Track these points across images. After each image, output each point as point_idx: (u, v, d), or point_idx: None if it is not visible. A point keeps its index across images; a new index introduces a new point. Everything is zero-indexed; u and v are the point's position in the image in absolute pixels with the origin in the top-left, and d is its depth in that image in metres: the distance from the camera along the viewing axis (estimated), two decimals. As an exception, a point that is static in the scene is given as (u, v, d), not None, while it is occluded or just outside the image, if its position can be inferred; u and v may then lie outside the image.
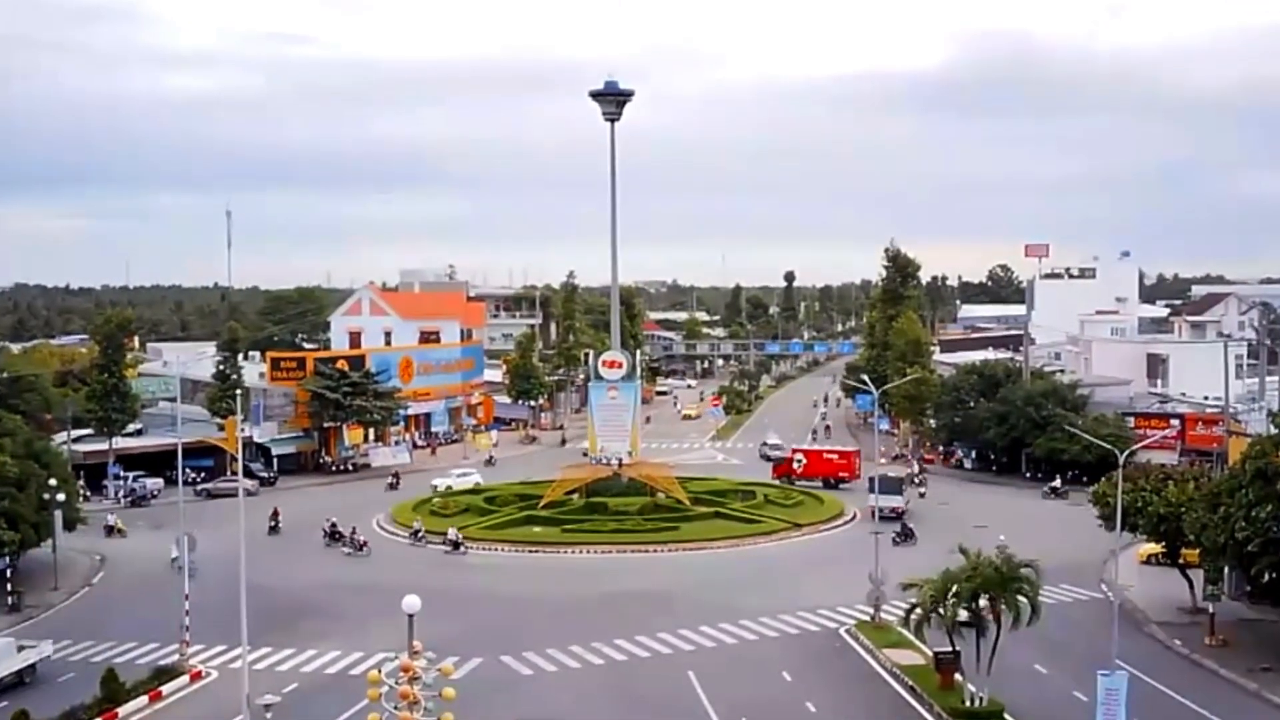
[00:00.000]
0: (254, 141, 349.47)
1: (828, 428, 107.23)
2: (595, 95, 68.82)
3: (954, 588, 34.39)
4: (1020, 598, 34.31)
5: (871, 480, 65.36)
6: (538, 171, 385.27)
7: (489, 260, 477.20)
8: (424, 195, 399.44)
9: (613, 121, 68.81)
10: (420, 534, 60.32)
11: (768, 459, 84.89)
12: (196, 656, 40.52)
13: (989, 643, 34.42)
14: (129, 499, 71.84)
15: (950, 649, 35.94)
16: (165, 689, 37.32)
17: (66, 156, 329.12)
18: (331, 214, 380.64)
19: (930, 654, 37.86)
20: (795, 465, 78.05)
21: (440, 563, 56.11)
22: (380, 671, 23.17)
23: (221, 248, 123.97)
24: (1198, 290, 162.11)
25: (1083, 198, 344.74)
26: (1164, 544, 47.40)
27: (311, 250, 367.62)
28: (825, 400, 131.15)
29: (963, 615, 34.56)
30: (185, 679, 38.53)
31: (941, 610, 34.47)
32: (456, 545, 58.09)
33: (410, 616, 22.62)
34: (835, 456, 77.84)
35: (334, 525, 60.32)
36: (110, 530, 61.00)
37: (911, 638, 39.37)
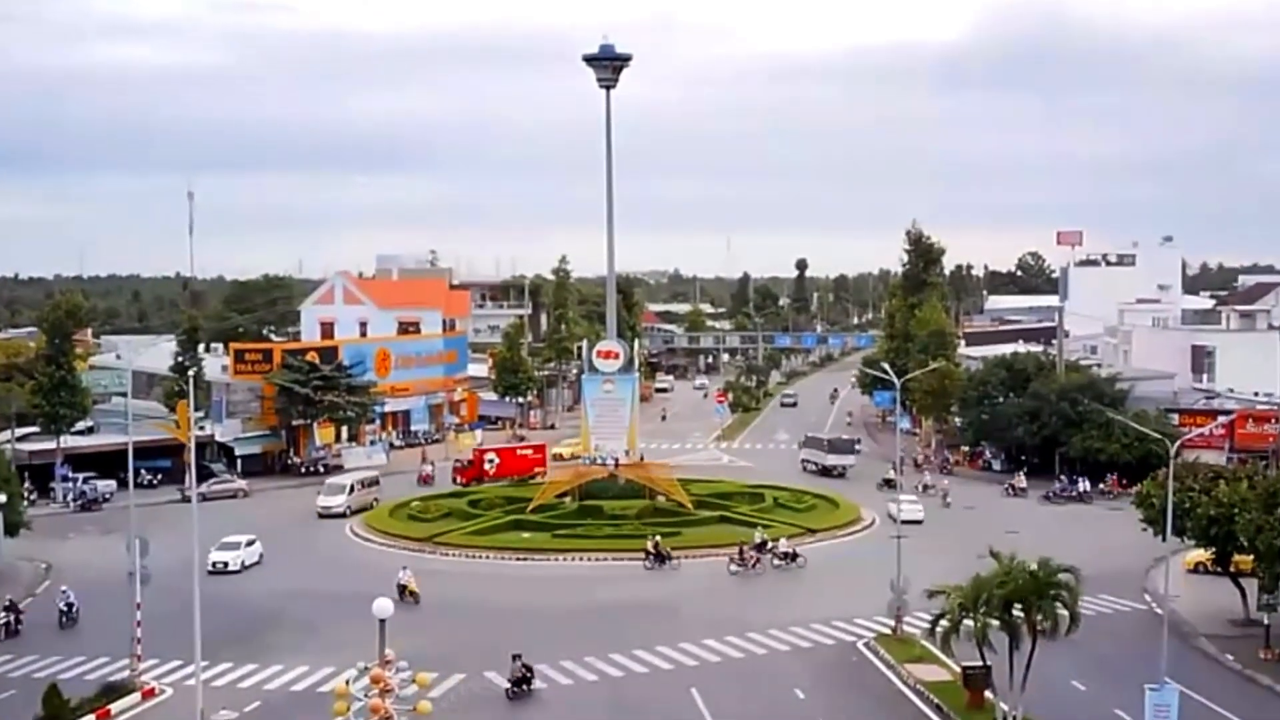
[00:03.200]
0: (222, 120, 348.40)
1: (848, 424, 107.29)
2: (589, 60, 68.56)
3: (985, 595, 33.91)
4: (1058, 606, 33.84)
5: (814, 438, 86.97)
6: (528, 151, 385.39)
7: (474, 248, 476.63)
8: (405, 178, 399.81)
9: (608, 89, 68.59)
10: (767, 545, 56.38)
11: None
12: (150, 672, 40.01)
13: (1023, 656, 34.00)
14: (78, 502, 71.31)
15: (980, 663, 35.44)
16: (114, 707, 36.80)
17: (16, 136, 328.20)
18: (305, 198, 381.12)
19: (958, 669, 37.40)
20: (487, 465, 78.00)
21: (418, 571, 55.48)
22: (349, 684, 22.67)
23: (183, 234, 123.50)
24: (1244, 280, 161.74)
25: (1119, 181, 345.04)
26: (1213, 549, 46.88)
27: (282, 237, 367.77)
28: (836, 395, 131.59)
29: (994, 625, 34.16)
30: (136, 696, 38.00)
31: (971, 620, 33.95)
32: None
33: (381, 622, 22.15)
34: (530, 452, 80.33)
35: (658, 545, 56.65)
36: (403, 591, 48.64)
37: (937, 651, 38.83)
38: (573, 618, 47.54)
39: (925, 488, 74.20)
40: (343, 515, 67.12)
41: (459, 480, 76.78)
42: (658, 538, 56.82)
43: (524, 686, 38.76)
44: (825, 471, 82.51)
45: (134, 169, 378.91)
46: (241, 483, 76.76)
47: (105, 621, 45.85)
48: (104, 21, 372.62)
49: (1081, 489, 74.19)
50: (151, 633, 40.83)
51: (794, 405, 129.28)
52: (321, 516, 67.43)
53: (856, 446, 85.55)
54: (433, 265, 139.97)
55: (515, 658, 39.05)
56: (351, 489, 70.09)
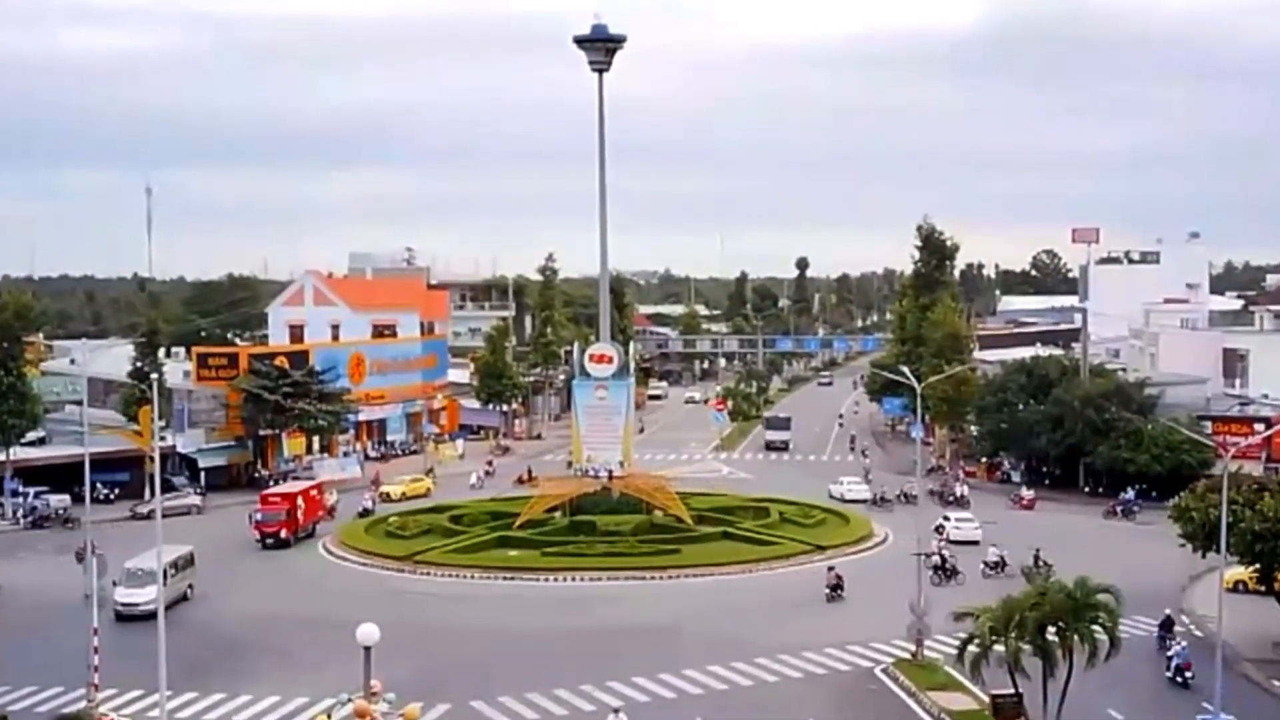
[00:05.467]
0: (185, 110, 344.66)
1: (851, 438, 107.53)
2: (580, 42, 67.94)
3: (1017, 617, 33.37)
4: (1096, 629, 33.32)
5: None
6: (510, 144, 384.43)
7: (451, 246, 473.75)
8: (380, 171, 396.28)
9: (601, 72, 68.05)
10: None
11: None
12: (109, 703, 39.17)
13: (1058, 683, 33.51)
14: (29, 519, 70.63)
15: (1012, 691, 34.87)
16: (69, 741, 35.98)
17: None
18: (273, 193, 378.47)
19: (986, 697, 36.81)
20: (299, 513, 66.13)
21: (396, 592, 54.93)
22: (329, 716, 22.06)
23: (141, 232, 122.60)
24: (1273, 279, 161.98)
25: (1140, 176, 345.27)
26: (1257, 567, 46.43)
27: (246, 235, 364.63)
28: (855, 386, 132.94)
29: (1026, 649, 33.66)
30: (93, 729, 37.17)
31: (1003, 644, 33.41)
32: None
33: (366, 649, 21.58)
34: (316, 492, 70.22)
35: (941, 551, 56.28)
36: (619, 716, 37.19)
37: (961, 678, 38.42)
38: (566, 642, 46.88)
39: (958, 499, 74.99)
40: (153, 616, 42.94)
41: (283, 535, 64.24)
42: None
43: (838, 591, 51.86)
44: (768, 446, 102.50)
45: (89, 162, 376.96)
46: (195, 498, 75.58)
47: (60, 647, 45.17)
48: (61, 3, 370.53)
49: (960, 493, 75.84)
50: (110, 659, 40.12)
51: (830, 385, 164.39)
52: (121, 619, 48.87)
53: (792, 424, 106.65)
54: (409, 264, 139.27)
55: (830, 569, 53.38)
56: (164, 575, 46.21)
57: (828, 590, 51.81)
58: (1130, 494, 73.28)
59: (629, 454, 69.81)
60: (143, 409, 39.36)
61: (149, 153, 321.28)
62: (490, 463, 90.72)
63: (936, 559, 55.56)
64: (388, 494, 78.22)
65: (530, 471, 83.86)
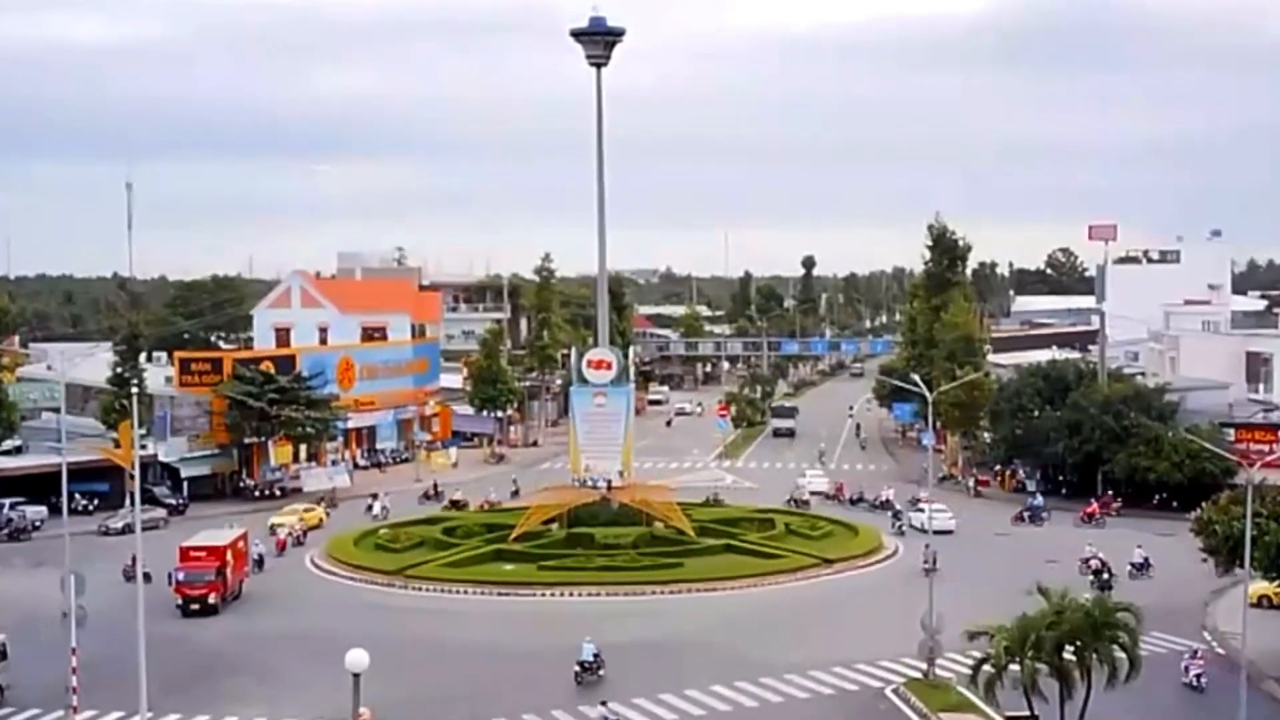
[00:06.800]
0: (166, 100, 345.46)
1: (857, 426, 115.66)
2: (578, 35, 68.06)
3: (1034, 637, 33.36)
4: (1116, 649, 33.31)
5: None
6: (505, 138, 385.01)
7: (445, 243, 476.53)
8: (370, 167, 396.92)
9: (599, 66, 68.13)
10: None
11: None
12: (87, 726, 39.22)
13: (1076, 705, 33.50)
14: (4, 531, 70.57)
15: (1028, 713, 34.87)
16: (46, 766, 35.85)
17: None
18: (258, 188, 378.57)
19: (1001, 719, 36.70)
20: (229, 570, 55.93)
21: (386, 608, 54.87)
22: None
23: (121, 229, 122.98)
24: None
25: (1160, 170, 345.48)
26: (1283, 582, 46.47)
27: (231, 233, 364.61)
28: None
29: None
30: (71, 753, 37.10)
31: (1018, 665, 33.40)
32: None
33: (356, 677, 21.55)
34: (243, 543, 59.66)
35: (1099, 555, 56.63)
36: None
37: (974, 699, 38.31)
38: (563, 661, 46.67)
39: (884, 503, 77.10)
40: None
41: (210, 599, 53.45)
42: None
43: (935, 565, 51.54)
44: (775, 433, 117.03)
45: (67, 156, 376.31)
46: (160, 511, 74.13)
47: (37, 668, 45.01)
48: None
49: (886, 498, 77.65)
50: (89, 680, 40.02)
51: (861, 375, 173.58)
52: None
53: (796, 413, 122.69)
54: (400, 264, 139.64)
55: (926, 545, 54.20)
56: None
57: (925, 566, 53.32)
58: (1038, 499, 75.58)
59: (629, 463, 69.75)
60: (123, 424, 39.14)
61: (129, 146, 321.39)
62: (376, 495, 78.40)
63: (1096, 563, 56.11)
64: (271, 526, 69.73)
65: (436, 486, 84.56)
